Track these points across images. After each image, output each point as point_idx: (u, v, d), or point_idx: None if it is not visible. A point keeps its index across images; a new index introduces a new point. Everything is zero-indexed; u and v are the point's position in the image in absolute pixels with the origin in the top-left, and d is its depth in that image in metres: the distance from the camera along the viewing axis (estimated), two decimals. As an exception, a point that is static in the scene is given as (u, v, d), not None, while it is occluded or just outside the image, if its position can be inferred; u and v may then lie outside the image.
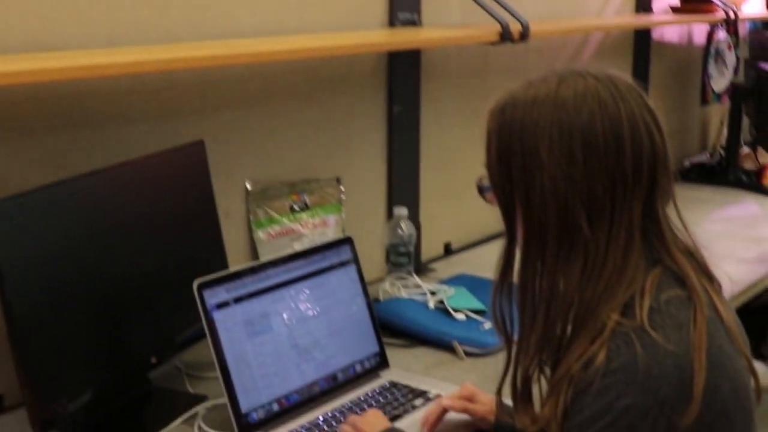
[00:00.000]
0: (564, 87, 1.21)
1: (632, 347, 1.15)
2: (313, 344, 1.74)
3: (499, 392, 1.39)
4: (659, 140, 1.23)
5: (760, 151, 3.67)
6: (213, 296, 1.61)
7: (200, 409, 1.72)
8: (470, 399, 1.62)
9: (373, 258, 2.36)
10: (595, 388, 1.16)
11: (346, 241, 1.86)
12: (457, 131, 2.65)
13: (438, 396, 1.75)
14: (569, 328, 1.24)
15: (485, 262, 2.67)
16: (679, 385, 1.14)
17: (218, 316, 1.61)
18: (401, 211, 2.27)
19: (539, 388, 1.30)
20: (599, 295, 1.21)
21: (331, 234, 2.21)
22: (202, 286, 1.60)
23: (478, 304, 2.17)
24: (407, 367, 1.91)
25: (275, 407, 1.65)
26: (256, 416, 1.62)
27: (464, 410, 1.60)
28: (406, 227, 2.28)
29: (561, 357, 1.24)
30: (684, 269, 1.23)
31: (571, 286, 1.22)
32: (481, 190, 1.35)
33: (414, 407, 1.72)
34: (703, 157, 3.86)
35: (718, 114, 4.03)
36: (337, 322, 1.80)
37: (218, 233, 1.89)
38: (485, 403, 1.61)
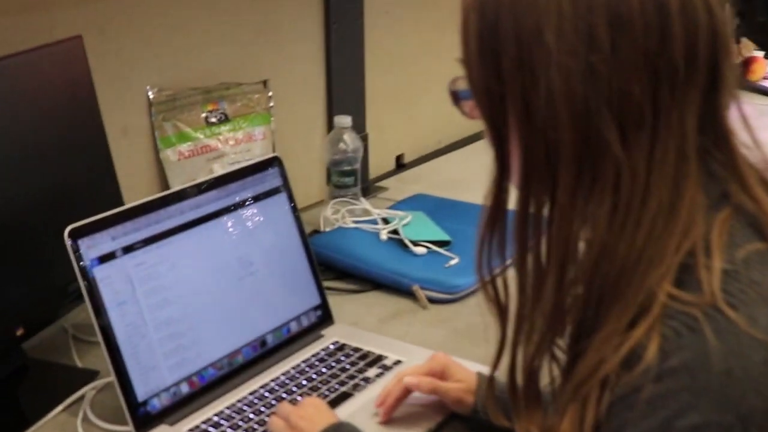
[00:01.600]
0: None
1: (700, 335, 0.76)
2: (234, 301, 1.33)
3: (490, 380, 1.01)
4: (719, 12, 0.82)
5: (744, 42, 3.28)
6: (93, 246, 1.19)
7: (88, 390, 1.31)
8: (441, 375, 1.23)
9: (311, 179, 1.94)
10: (644, 396, 0.77)
11: (274, 162, 1.44)
12: (409, 20, 2.20)
13: (397, 364, 1.36)
14: (594, 303, 0.84)
15: (445, 177, 2.30)
16: (758, 388, 0.75)
17: (100, 272, 1.19)
18: (344, 120, 1.85)
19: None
20: (639, 251, 0.81)
21: (258, 151, 1.78)
22: (77, 234, 1.17)
23: (441, 234, 1.77)
24: (357, 321, 1.52)
25: (184, 389, 1.25)
26: (158, 404, 1.22)
27: (433, 391, 1.22)
28: (350, 140, 1.85)
29: (583, 345, 0.85)
30: (764, 208, 0.84)
31: (596, 239, 0.82)
32: (456, 98, 0.93)
33: (367, 380, 1.32)
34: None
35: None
36: (265, 270, 1.39)
37: (107, 157, 1.44)
38: (461, 379, 1.23)
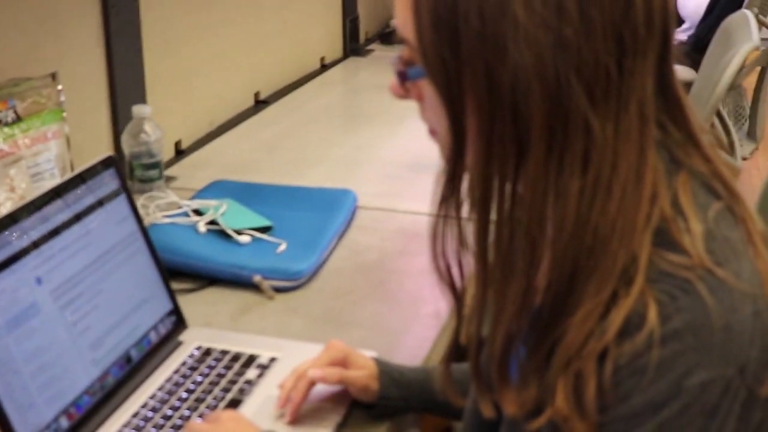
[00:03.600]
0: None
1: (695, 296, 0.78)
2: (94, 319, 1.22)
3: (447, 365, 0.98)
4: None
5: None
6: (-52, 280, 1.03)
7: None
8: (343, 364, 1.19)
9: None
10: (651, 361, 0.78)
11: (109, 163, 1.32)
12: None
13: (273, 361, 1.30)
14: (567, 276, 0.84)
15: (230, 161, 2.21)
16: (762, 340, 0.79)
17: (-38, 308, 1.04)
18: (142, 110, 1.73)
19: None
20: (613, 220, 0.82)
21: (53, 152, 1.63)
22: (-70, 268, 1.02)
23: (261, 221, 1.71)
24: (207, 321, 1.44)
25: (64, 424, 1.13)
26: (41, 444, 1.09)
27: (340, 381, 1.18)
28: (151, 130, 1.74)
29: (559, 321, 0.84)
30: (718, 168, 0.87)
31: (567, 212, 0.82)
32: (403, 78, 0.89)
33: (250, 383, 1.26)
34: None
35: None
36: (117, 281, 1.27)
37: None
38: (363, 366, 1.20)
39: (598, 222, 0.81)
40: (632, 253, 0.81)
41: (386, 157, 2.20)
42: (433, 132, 0.92)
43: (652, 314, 0.78)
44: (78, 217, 1.23)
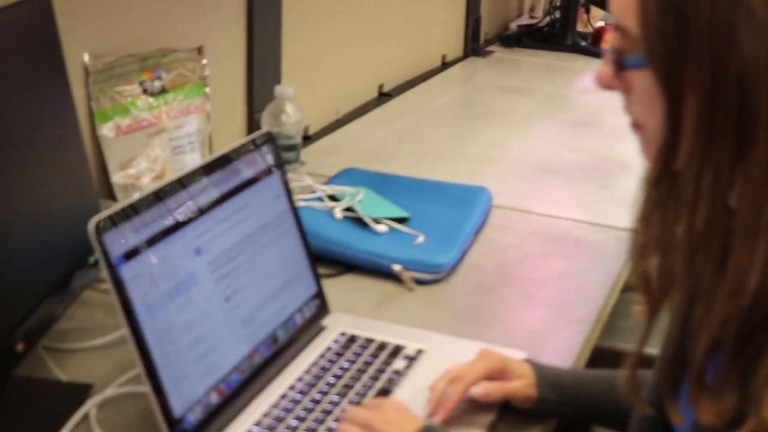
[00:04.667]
0: None
1: None
2: (247, 294, 1.18)
3: (633, 373, 0.92)
4: None
5: (593, 12, 3.35)
6: (117, 242, 1.01)
7: (90, 408, 1.12)
8: (501, 373, 1.14)
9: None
10: None
11: (267, 139, 1.29)
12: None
13: (420, 353, 1.25)
14: None
15: (359, 149, 2.16)
16: None
17: (128, 271, 1.01)
18: (285, 90, 1.70)
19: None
20: None
21: (195, 126, 1.61)
22: (102, 228, 0.99)
23: (398, 211, 1.67)
24: (348, 307, 1.40)
25: (214, 399, 1.09)
26: (192, 419, 1.06)
27: (505, 397, 1.13)
28: (292, 112, 1.71)
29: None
30: None
31: None
32: (621, 67, 0.83)
33: (398, 373, 1.21)
34: (526, 20, 3.48)
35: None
36: (268, 258, 1.24)
37: (77, 134, 1.24)
38: (522, 374, 1.14)
39: None
40: None
41: (516, 158, 2.15)
42: (637, 126, 0.87)
43: None
44: (237, 190, 1.20)
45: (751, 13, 0.73)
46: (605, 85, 0.87)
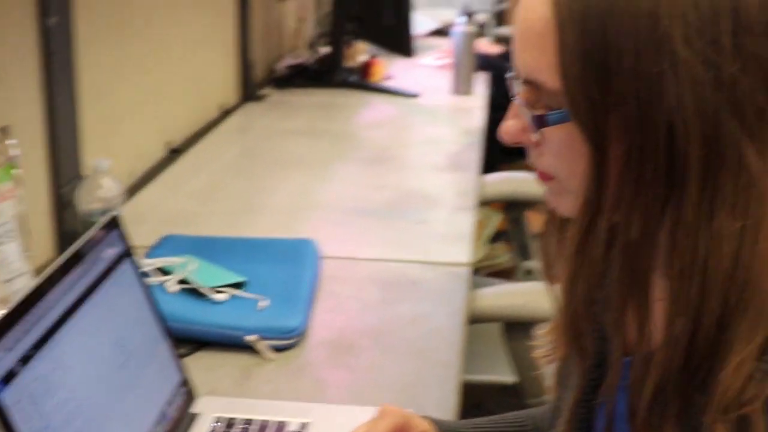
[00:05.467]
0: None
1: None
2: (121, 395, 1.09)
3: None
4: None
5: (358, 46, 3.39)
6: (-8, 366, 0.90)
7: None
8: (405, 430, 1.11)
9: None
10: None
11: (114, 224, 1.20)
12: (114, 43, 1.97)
13: (305, 427, 1.21)
14: (716, 323, 0.80)
15: (163, 215, 2.07)
16: None
17: (10, 397, 0.90)
18: (101, 164, 1.60)
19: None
20: (763, 257, 0.79)
21: (9, 213, 1.48)
22: (-25, 354, 0.88)
23: (234, 276, 1.61)
24: (210, 389, 1.32)
25: None
26: None
27: (414, 455, 1.10)
28: (110, 186, 1.61)
29: (710, 363, 0.81)
30: None
31: (722, 251, 0.79)
32: (542, 124, 0.83)
33: (288, 453, 1.16)
34: (294, 60, 3.47)
35: (294, 10, 3.67)
36: (135, 351, 1.15)
37: None
38: (425, 428, 1.12)
39: (752, 261, 0.78)
40: None
41: (325, 203, 2.13)
42: (547, 177, 0.87)
43: None
44: (95, 284, 1.11)
45: (676, 61, 0.74)
46: (514, 140, 0.86)
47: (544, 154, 0.85)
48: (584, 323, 0.85)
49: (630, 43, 0.75)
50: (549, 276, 0.95)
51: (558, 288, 0.92)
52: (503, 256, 3.29)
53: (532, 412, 1.17)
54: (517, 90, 0.85)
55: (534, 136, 0.84)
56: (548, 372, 1.05)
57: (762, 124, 0.78)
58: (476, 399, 1.60)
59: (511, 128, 0.86)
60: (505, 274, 3.13)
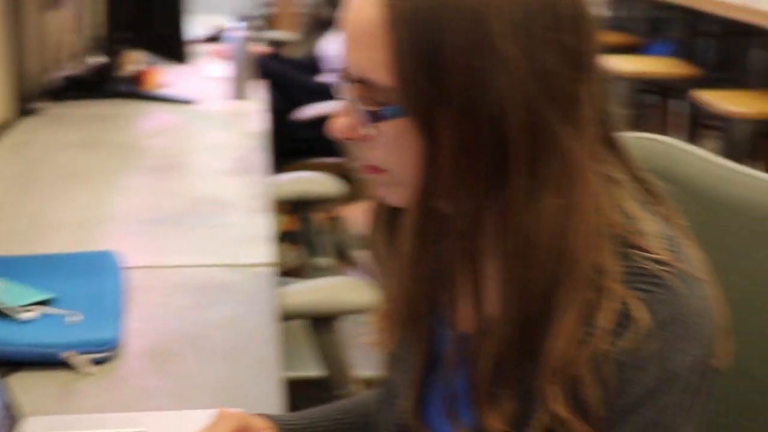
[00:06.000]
0: None
1: (668, 288, 0.88)
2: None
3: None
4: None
5: (132, 55, 3.34)
6: None
7: None
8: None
9: None
10: (648, 352, 0.86)
11: None
12: None
13: (142, 435, 1.22)
14: (541, 290, 0.90)
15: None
16: (713, 319, 0.90)
17: None
18: None
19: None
20: (582, 230, 0.89)
21: None
22: None
23: (39, 294, 1.58)
24: (32, 410, 1.29)
25: None
26: None
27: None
28: None
29: (540, 331, 0.89)
30: (643, 175, 0.97)
31: (543, 228, 0.87)
32: (378, 119, 0.89)
33: (128, 462, 1.17)
34: (67, 71, 3.36)
35: (60, 20, 3.55)
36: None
37: None
38: (265, 426, 1.15)
39: (574, 236, 0.87)
40: (595, 261, 0.88)
41: (120, 215, 2.11)
42: (376, 170, 0.93)
43: (640, 310, 0.86)
44: None
45: (500, 56, 0.82)
46: (349, 136, 0.92)
47: (375, 149, 0.91)
48: (422, 305, 0.92)
49: (458, 40, 0.83)
50: (378, 265, 1.01)
51: (386, 278, 0.99)
52: (289, 255, 3.35)
53: (362, 398, 1.23)
54: (348, 88, 0.90)
55: (367, 132, 0.90)
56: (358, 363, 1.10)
57: (576, 110, 0.87)
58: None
59: (344, 125, 0.91)
60: (293, 272, 3.19)
